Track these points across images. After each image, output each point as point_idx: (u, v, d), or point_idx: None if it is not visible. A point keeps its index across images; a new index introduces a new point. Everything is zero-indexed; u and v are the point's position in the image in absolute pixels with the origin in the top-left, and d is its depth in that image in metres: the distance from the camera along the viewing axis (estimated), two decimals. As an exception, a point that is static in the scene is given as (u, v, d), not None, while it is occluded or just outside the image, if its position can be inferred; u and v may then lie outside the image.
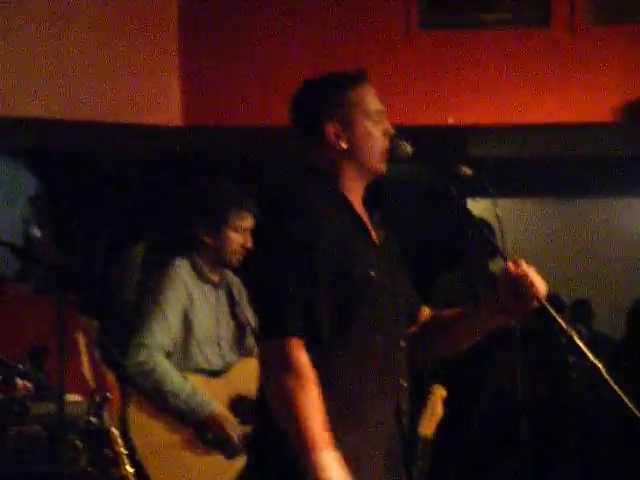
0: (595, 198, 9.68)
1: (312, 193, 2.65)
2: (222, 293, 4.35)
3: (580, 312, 8.37)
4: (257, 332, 2.61)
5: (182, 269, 4.22)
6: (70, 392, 4.18)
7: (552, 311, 2.63)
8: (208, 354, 4.21)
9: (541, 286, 2.64)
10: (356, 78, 2.76)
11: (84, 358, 4.13)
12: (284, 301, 2.51)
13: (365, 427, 2.58)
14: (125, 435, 3.90)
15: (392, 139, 2.74)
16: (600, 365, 2.59)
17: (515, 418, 4.13)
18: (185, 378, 4.09)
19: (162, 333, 4.09)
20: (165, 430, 4.10)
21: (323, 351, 2.53)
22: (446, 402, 3.80)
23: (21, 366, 4.17)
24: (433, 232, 7.60)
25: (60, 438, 3.85)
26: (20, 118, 6.36)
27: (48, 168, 7.16)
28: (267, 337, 2.54)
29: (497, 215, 2.70)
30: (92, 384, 4.01)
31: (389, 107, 2.78)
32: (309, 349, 2.51)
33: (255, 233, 3.43)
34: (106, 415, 3.88)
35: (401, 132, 2.79)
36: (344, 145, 2.70)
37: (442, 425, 3.82)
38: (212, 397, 4.13)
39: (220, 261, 4.27)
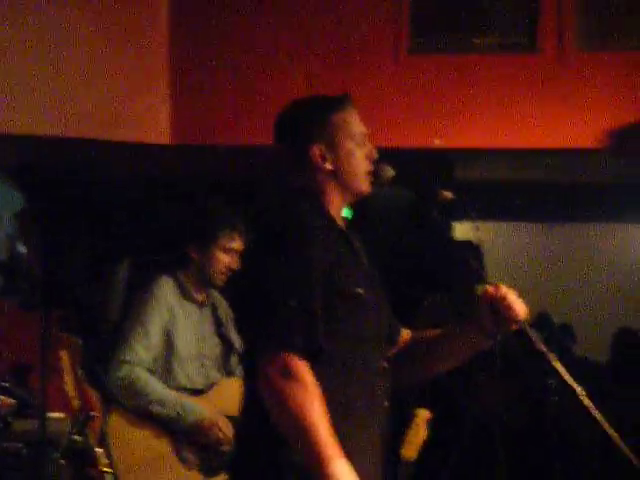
0: (580, 223, 9.70)
1: (304, 211, 2.67)
2: (207, 312, 4.35)
3: (563, 336, 8.39)
4: (257, 344, 2.59)
5: (166, 287, 4.24)
6: (53, 410, 4.18)
7: (531, 334, 2.65)
8: (191, 372, 4.21)
9: (521, 309, 2.68)
10: (341, 101, 2.81)
11: (68, 376, 4.12)
12: (286, 316, 2.52)
13: (349, 447, 2.55)
14: (107, 453, 3.90)
15: (374, 162, 2.77)
16: (580, 389, 2.61)
17: (495, 442, 4.14)
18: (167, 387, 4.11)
19: (143, 350, 4.10)
20: (144, 447, 4.10)
21: (312, 365, 2.53)
22: (430, 425, 3.80)
23: (4, 383, 4.16)
24: (418, 254, 7.61)
25: (42, 455, 3.84)
26: (6, 134, 6.35)
27: (34, 184, 7.15)
28: (270, 349, 2.52)
29: (478, 238, 2.73)
30: (76, 402, 4.00)
31: (377, 130, 2.83)
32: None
33: (249, 251, 3.44)
34: (89, 433, 3.87)
35: (388, 155, 2.82)
36: (329, 166, 2.74)
37: (425, 447, 3.82)
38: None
39: (205, 281, 4.29)
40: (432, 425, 3.75)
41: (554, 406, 4.30)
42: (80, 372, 4.66)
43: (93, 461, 3.78)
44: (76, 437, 3.87)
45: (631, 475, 2.62)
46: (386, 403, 2.74)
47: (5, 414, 4.12)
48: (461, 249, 2.84)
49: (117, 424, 4.11)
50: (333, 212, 2.76)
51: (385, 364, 2.77)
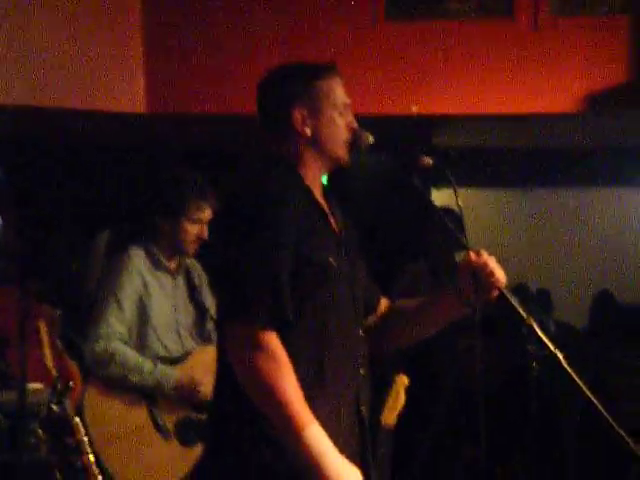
0: (558, 188, 9.73)
1: (276, 182, 2.66)
2: (180, 280, 4.35)
3: (540, 302, 8.42)
4: (224, 316, 2.60)
5: (137, 257, 4.22)
6: (32, 381, 4.17)
7: (512, 300, 2.65)
8: (166, 342, 4.21)
9: (501, 276, 2.68)
10: (327, 69, 2.81)
11: (46, 347, 4.11)
12: (254, 286, 2.52)
13: (323, 415, 2.57)
14: (84, 426, 3.90)
15: (354, 131, 2.77)
16: (559, 354, 2.62)
17: (474, 407, 4.15)
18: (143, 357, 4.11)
19: (117, 322, 4.10)
20: (121, 418, 4.10)
21: (283, 335, 2.54)
22: (408, 391, 3.81)
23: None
24: (398, 222, 7.61)
25: (21, 426, 3.83)
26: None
27: (10, 156, 7.10)
28: (238, 322, 2.53)
29: (458, 205, 2.72)
30: (54, 373, 3.99)
31: (355, 96, 2.82)
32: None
33: (220, 219, 3.42)
34: (68, 404, 3.87)
35: (366, 121, 2.81)
36: (308, 132, 2.73)
37: (404, 414, 3.83)
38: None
39: (176, 250, 4.28)
40: (411, 391, 3.75)
41: (533, 371, 4.31)
42: (59, 343, 4.65)
43: (71, 431, 3.77)
44: (54, 407, 3.86)
45: (610, 438, 2.63)
46: (362, 371, 2.74)
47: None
48: (441, 215, 2.83)
49: (94, 397, 4.11)
50: (309, 182, 2.75)
51: (361, 332, 2.77)
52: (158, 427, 4.13)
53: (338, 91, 2.78)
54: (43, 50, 6.42)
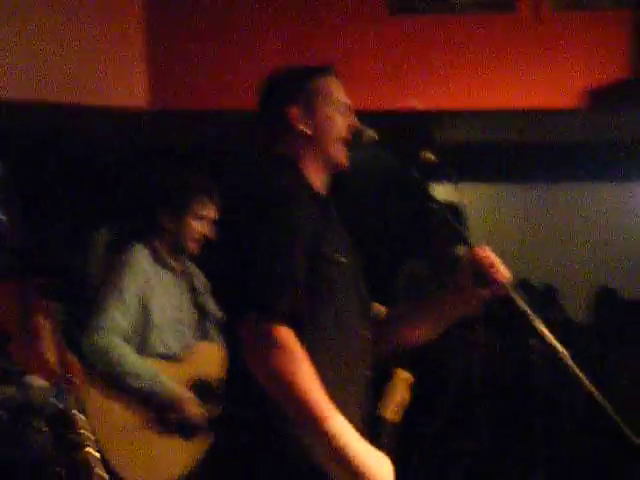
0: (560, 183, 9.72)
1: (284, 178, 2.67)
2: (183, 281, 4.34)
3: (544, 297, 8.42)
4: (239, 314, 2.56)
5: (140, 254, 4.22)
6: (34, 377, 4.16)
7: (515, 296, 2.65)
8: (167, 339, 4.20)
9: (504, 272, 2.67)
10: (325, 69, 2.84)
11: (48, 342, 4.10)
12: (269, 284, 2.50)
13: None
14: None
15: (355, 128, 2.78)
16: (563, 350, 2.62)
17: (478, 401, 4.16)
18: (145, 360, 4.10)
19: (120, 316, 4.08)
20: (123, 412, 4.10)
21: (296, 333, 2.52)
22: (413, 387, 3.81)
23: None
24: (399, 218, 7.61)
25: (23, 421, 3.83)
26: (-18, 100, 6.31)
27: (11, 151, 7.10)
28: (254, 322, 2.49)
29: (460, 200, 2.73)
30: (56, 368, 3.99)
31: (357, 91, 2.83)
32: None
33: (227, 220, 3.42)
34: (70, 399, 3.86)
35: (368, 117, 2.81)
36: (306, 130, 2.75)
37: (410, 409, 3.83)
38: (172, 380, 4.13)
39: (179, 248, 4.27)
40: (416, 386, 3.76)
41: (536, 365, 4.33)
42: (61, 338, 4.65)
43: (74, 426, 3.77)
44: (56, 402, 3.86)
45: (612, 433, 2.63)
46: (368, 372, 2.75)
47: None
48: (443, 211, 2.83)
49: (95, 391, 4.11)
50: (312, 180, 2.75)
51: (368, 333, 2.77)
52: (161, 420, 4.13)
53: (335, 90, 2.80)
54: (44, 45, 6.42)
